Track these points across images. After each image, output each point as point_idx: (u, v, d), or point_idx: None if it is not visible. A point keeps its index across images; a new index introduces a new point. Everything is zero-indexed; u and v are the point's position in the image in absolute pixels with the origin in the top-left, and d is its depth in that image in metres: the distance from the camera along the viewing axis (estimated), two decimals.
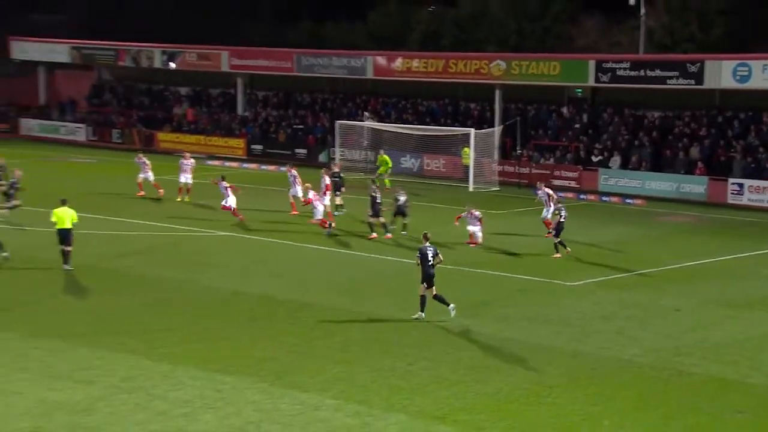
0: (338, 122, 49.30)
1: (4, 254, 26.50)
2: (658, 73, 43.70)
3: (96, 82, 65.58)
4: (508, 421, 16.23)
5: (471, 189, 42.80)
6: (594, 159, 45.08)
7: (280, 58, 55.32)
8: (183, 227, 32.64)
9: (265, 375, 18.01)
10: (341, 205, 35.13)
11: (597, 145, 45.72)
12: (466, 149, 45.09)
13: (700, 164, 42.35)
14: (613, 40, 61.66)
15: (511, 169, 45.92)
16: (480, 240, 30.41)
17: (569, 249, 29.16)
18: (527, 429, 15.93)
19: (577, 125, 47.83)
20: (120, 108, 62.16)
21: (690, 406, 17.13)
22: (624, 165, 44.29)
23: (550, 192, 33.03)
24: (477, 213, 30.65)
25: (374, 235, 30.95)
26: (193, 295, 23.89)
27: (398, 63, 50.91)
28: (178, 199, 37.45)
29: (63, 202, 25.89)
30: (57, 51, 63.18)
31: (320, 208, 31.92)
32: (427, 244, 22.13)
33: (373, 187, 32.33)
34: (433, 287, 21.81)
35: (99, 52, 62.43)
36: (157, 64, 59.51)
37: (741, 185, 40.95)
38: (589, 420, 16.34)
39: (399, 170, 47.60)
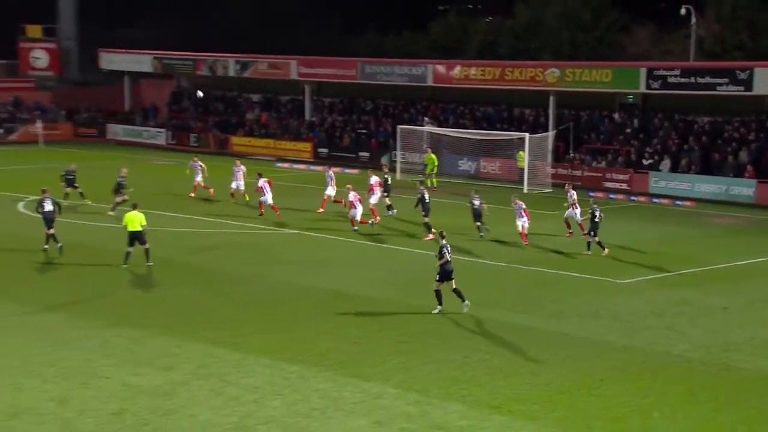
0: (399, 127, 49.29)
1: (59, 245, 27.08)
2: (708, 80, 42.87)
3: (175, 90, 66.58)
4: (560, 411, 16.07)
5: (525, 190, 42.46)
6: (644, 162, 44.39)
7: (345, 67, 55.53)
8: (253, 225, 32.93)
9: (329, 365, 18.08)
10: (391, 205, 34.82)
11: (647, 149, 45.02)
12: (521, 153, 44.77)
13: (749, 167, 41.43)
14: (663, 48, 60.65)
15: (564, 171, 45.47)
16: (526, 230, 30.08)
17: (607, 250, 28.72)
18: (578, 419, 15.73)
19: (628, 130, 47.15)
20: (197, 114, 63.01)
21: (739, 400, 16.76)
22: (674, 168, 43.55)
23: (523, 205, 31.22)
24: (522, 203, 30.37)
25: (431, 236, 30.50)
26: (262, 289, 24.09)
27: (457, 71, 50.72)
28: (233, 201, 37.19)
29: (134, 207, 26.20)
30: (141, 61, 64.39)
31: (359, 209, 31.62)
32: (444, 241, 22.01)
33: (421, 188, 32.09)
34: (453, 281, 21.70)
35: (178, 62, 63.43)
36: (231, 73, 60.20)
37: None
38: (639, 412, 16.08)
39: (457, 172, 47.52)
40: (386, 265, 27.50)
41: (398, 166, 47.13)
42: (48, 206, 27.60)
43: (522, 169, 44.41)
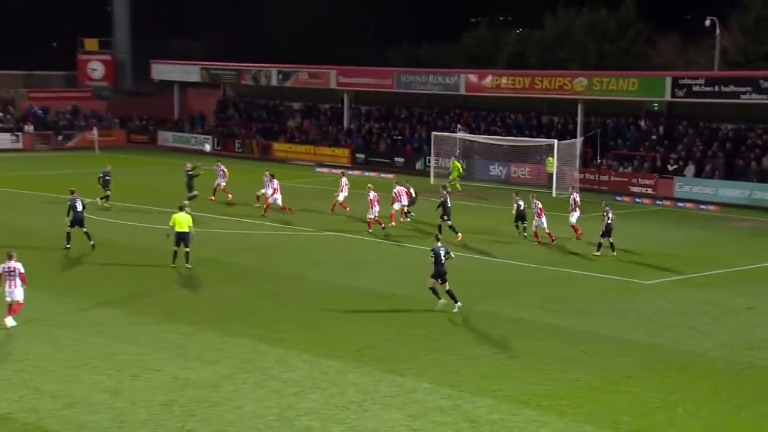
0: (433, 133, 49.21)
1: (91, 243, 27.55)
2: (731, 88, 42.30)
3: (221, 99, 67.06)
4: (587, 407, 15.91)
5: (554, 195, 42.15)
6: (669, 168, 43.89)
7: (381, 77, 55.56)
8: (293, 227, 33.03)
9: (366, 360, 18.07)
10: (409, 212, 34.48)
11: (672, 155, 44.51)
12: (550, 158, 44.48)
13: None
14: (688, 59, 59.87)
15: (591, 176, 45.14)
16: (544, 230, 29.87)
17: (615, 253, 28.40)
18: (606, 415, 15.57)
19: (654, 137, 46.65)
20: (241, 121, 63.39)
21: (763, 397, 16.48)
22: (698, 173, 42.99)
23: (577, 198, 31.42)
24: (538, 203, 30.16)
25: (460, 236, 30.52)
26: (302, 288, 24.14)
27: (488, 80, 50.53)
28: (256, 205, 36.59)
29: (181, 208, 26.16)
30: (189, 72, 64.93)
31: (376, 209, 31.37)
32: (439, 244, 21.88)
33: (444, 192, 31.86)
34: (446, 283, 21.53)
35: (224, 72, 63.88)
36: (274, 82, 60.51)
37: None
38: (665, 408, 15.87)
39: (488, 177, 47.33)
40: (415, 265, 27.28)
41: (432, 171, 47.03)
42: (79, 206, 27.91)
43: (551, 174, 44.12)
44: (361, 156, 54.34)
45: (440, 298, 21.68)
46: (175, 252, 25.79)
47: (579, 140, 46.17)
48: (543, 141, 46.02)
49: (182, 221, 25.67)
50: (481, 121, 52.71)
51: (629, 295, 23.98)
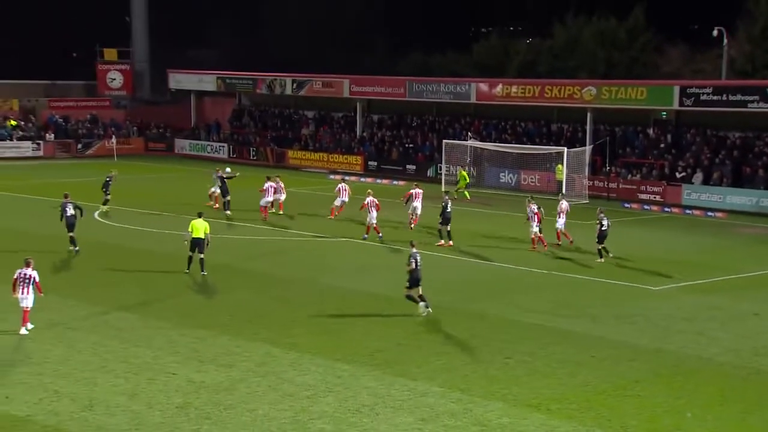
0: (445, 141, 49.21)
1: (76, 249, 27.76)
2: (739, 97, 42.13)
3: (236, 107, 67.30)
4: (596, 411, 15.87)
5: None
6: (678, 175, 43.74)
7: (394, 85, 55.63)
8: (304, 233, 33.09)
9: (378, 364, 18.08)
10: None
11: (680, 163, 44.34)
12: (559, 166, 44.39)
13: None
14: (695, 67, 59.73)
15: (600, 184, 45.04)
16: (538, 235, 29.62)
17: (611, 255, 28.29)
18: (614, 419, 15.53)
19: (662, 144, 46.50)
20: (256, 129, 63.58)
21: None
22: (706, 181, 42.82)
23: (535, 208, 30.06)
24: (534, 206, 29.79)
25: (441, 242, 30.43)
26: (314, 293, 24.17)
27: (499, 89, 50.52)
28: (271, 210, 36.71)
29: (199, 215, 26.27)
30: (205, 81, 65.21)
31: (374, 214, 31.30)
32: (415, 249, 21.81)
33: (446, 197, 31.76)
34: (420, 287, 21.52)
35: (239, 82, 64.11)
36: (288, 91, 60.69)
37: None
38: (672, 412, 15.82)
39: (498, 184, 47.29)
40: (424, 270, 27.31)
41: (443, 179, 47.05)
42: (70, 210, 28.05)
43: (560, 182, 44.02)
44: (373, 163, 54.39)
45: (428, 306, 21.58)
46: (190, 258, 25.87)
47: (588, 148, 46.08)
48: (552, 149, 45.94)
49: (199, 227, 25.75)
50: (492, 129, 52.69)
51: (637, 300, 23.90)
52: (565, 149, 44.21)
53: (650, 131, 47.96)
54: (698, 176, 43.07)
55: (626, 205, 42.36)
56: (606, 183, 44.82)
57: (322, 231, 33.35)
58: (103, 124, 64.71)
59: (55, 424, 15.02)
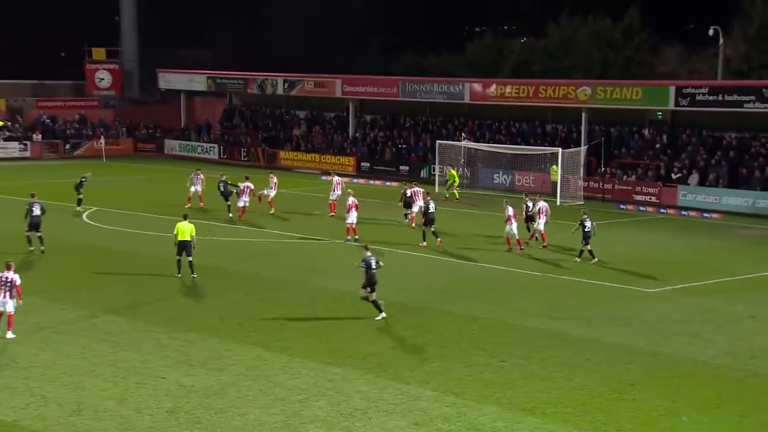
0: (438, 142, 49.25)
1: (42, 248, 27.84)
2: (735, 97, 42.23)
3: (227, 107, 67.21)
4: (592, 414, 15.87)
5: (558, 203, 42.09)
6: (673, 176, 43.84)
7: (386, 85, 55.64)
8: (294, 235, 33.03)
9: (370, 368, 18.05)
10: (408, 214, 34.56)
11: (676, 164, 44.44)
12: (554, 167, 44.44)
13: None
14: (691, 67, 59.85)
15: (595, 185, 45.11)
16: (515, 237, 29.56)
17: (596, 260, 28.37)
18: (610, 422, 15.53)
19: (658, 145, 46.59)
20: (247, 130, 63.51)
21: (765, 404, 16.44)
22: (702, 182, 42.91)
23: (510, 210, 29.94)
24: (510, 208, 29.64)
25: (424, 243, 30.52)
26: (306, 295, 24.13)
27: (493, 89, 50.57)
28: (260, 205, 37.20)
29: (185, 217, 26.15)
30: (195, 81, 65.11)
31: (354, 213, 31.32)
32: (369, 253, 21.86)
33: (428, 198, 31.78)
34: (375, 292, 21.50)
35: (230, 81, 64.04)
36: (280, 91, 60.63)
37: None
38: (668, 415, 15.83)
39: (492, 185, 47.31)
40: (418, 272, 27.39)
41: (436, 179, 47.05)
42: (36, 211, 28.04)
43: (555, 183, 44.07)
44: (366, 164, 54.38)
45: (382, 312, 21.52)
46: (179, 261, 25.78)
47: (583, 149, 46.13)
48: (547, 149, 46.00)
49: (185, 230, 25.61)
50: (486, 129, 52.72)
51: (633, 302, 23.93)
52: (560, 150, 44.26)
53: (646, 132, 48.06)
54: (694, 177, 43.16)
55: (621, 206, 42.45)
56: (601, 184, 44.89)
57: (313, 232, 33.31)
58: (92, 124, 64.56)
59: (42, 429, 14.95)
